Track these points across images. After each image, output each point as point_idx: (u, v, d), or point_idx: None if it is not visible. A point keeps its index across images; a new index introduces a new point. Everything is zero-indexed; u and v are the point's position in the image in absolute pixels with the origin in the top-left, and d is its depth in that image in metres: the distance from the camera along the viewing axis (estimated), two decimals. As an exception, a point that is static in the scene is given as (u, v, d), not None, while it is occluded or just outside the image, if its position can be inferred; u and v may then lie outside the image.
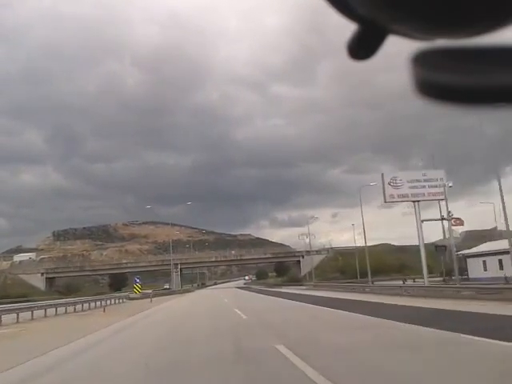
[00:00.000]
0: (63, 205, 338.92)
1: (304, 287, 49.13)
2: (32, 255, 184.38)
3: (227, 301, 27.61)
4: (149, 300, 35.50)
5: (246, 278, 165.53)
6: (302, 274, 76.18)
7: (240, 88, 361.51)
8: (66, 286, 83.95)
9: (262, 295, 35.97)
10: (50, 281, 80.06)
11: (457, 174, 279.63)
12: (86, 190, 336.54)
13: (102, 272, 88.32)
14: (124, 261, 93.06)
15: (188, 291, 68.02)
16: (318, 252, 76.31)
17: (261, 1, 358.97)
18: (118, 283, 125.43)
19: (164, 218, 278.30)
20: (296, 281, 72.52)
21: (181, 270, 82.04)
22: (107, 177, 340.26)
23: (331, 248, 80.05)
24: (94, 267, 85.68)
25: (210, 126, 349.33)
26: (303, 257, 77.70)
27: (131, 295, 40.73)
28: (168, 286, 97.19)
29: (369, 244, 73.83)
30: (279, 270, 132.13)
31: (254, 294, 41.97)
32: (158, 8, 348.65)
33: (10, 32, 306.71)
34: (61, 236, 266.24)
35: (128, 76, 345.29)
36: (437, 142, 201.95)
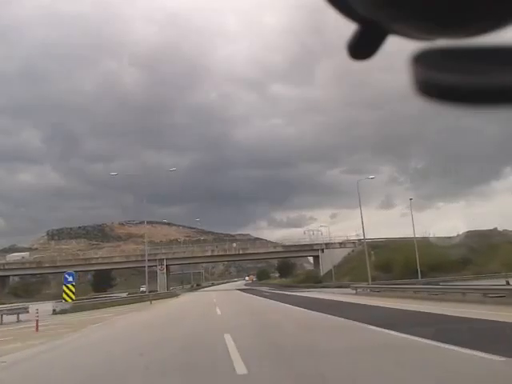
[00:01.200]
0: (61, 204, 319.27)
1: (352, 290, 29.66)
2: (25, 255, 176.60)
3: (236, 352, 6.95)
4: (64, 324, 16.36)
5: (247, 278, 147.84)
6: (323, 272, 57.13)
7: (239, 88, 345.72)
8: (23, 288, 64.41)
9: (307, 311, 16.71)
10: (1, 280, 60.42)
11: (456, 175, 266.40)
12: (83, 189, 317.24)
13: (65, 269, 68.47)
14: (94, 255, 73.21)
15: (171, 296, 47.28)
16: (342, 245, 56.76)
17: (260, 0, 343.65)
18: (103, 283, 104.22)
19: (161, 218, 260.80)
20: (316, 281, 53.47)
21: (167, 268, 62.83)
22: (105, 176, 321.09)
23: (358, 240, 60.64)
24: (54, 263, 65.92)
25: (208, 126, 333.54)
26: (323, 251, 58.68)
27: (57, 307, 21.60)
28: (144, 289, 77.59)
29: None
30: (283, 269, 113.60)
31: (281, 305, 21.93)
32: (156, 7, 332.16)
33: (8, 30, 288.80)
34: (55, 235, 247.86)
35: (127, 75, 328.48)
36: (436, 142, 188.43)
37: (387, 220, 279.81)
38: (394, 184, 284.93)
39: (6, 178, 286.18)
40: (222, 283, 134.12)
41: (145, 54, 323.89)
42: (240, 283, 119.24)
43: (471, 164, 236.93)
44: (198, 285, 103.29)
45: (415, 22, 0.62)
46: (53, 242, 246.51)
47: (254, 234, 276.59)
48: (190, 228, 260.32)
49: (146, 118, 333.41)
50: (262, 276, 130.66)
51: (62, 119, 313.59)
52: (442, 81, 0.60)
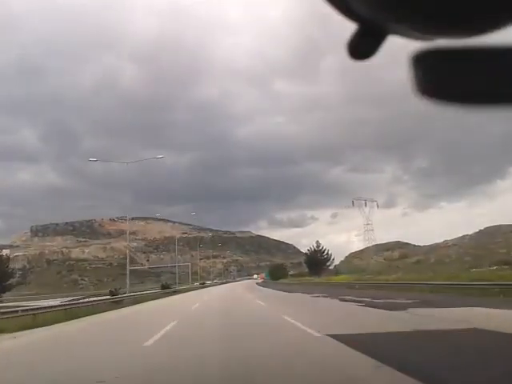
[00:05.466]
0: (58, 204, 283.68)
1: None
2: (6, 252, 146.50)
3: None
4: None
5: (255, 276, 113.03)
6: None
7: (241, 84, 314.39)
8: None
9: None
10: None
11: (460, 174, 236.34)
12: (80, 188, 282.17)
13: None
14: None
15: None
16: None
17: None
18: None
19: (154, 214, 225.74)
20: None
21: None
22: (103, 175, 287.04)
23: None
24: None
25: (209, 124, 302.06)
26: None
27: None
28: None
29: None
30: (314, 263, 76.16)
31: None
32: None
33: (3, 24, 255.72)
34: (39, 232, 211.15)
35: (126, 70, 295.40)
36: (440, 142, 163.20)
37: (388, 220, 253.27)
38: (398, 183, 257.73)
39: (3, 176, 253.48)
40: (219, 284, 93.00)
41: (145, 49, 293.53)
42: (249, 283, 79.86)
43: (476, 163, 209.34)
44: (164, 287, 50.25)
45: (415, 22, 0.59)
46: (36, 239, 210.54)
47: (255, 232, 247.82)
48: (187, 225, 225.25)
49: (146, 115, 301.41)
50: (278, 273, 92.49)
51: (59, 116, 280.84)
52: (442, 81, 0.58)
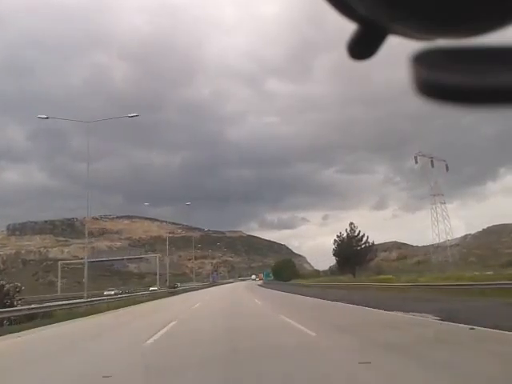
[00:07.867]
0: (41, 203, 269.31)
1: None
2: None
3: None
4: None
5: (253, 276, 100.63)
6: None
7: (234, 83, 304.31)
8: None
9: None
10: None
11: (453, 175, 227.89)
12: (68, 189, 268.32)
13: None
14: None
15: None
16: None
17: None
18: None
19: (141, 213, 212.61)
20: None
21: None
22: (92, 176, 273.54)
23: None
24: None
25: (201, 124, 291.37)
26: None
27: None
28: None
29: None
30: (348, 256, 48.32)
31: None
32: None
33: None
34: (17, 230, 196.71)
35: (116, 69, 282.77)
36: (433, 142, 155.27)
37: (381, 221, 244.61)
38: (389, 184, 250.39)
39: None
40: (206, 287, 75.12)
41: (135, 47, 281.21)
42: (248, 286, 62.19)
43: (467, 165, 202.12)
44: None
45: (415, 22, 0.59)
46: (13, 238, 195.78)
47: (247, 233, 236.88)
48: (175, 224, 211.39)
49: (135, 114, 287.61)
50: (286, 272, 74.43)
51: (46, 115, 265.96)
52: (441, 81, 0.57)
